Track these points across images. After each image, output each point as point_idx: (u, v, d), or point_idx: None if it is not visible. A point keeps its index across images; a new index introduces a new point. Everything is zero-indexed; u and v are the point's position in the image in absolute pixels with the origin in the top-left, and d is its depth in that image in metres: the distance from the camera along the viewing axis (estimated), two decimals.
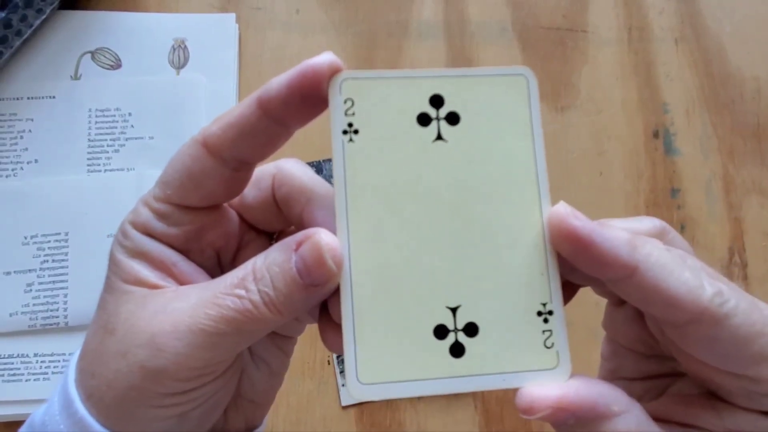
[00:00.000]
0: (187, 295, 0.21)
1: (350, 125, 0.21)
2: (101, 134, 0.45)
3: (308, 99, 0.20)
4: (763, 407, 0.20)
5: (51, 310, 0.41)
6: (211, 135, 0.21)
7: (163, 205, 0.22)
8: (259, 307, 0.20)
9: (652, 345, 0.24)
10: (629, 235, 0.19)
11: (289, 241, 0.20)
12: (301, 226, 0.22)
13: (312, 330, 0.44)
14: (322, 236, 0.20)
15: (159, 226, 0.22)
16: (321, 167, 0.45)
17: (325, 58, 0.20)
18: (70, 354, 0.41)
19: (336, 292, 0.21)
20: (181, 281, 0.22)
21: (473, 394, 0.42)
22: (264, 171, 0.23)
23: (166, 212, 0.22)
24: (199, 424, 0.23)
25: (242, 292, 0.20)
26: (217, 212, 0.23)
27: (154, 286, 0.22)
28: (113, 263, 0.22)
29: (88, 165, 0.44)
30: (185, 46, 0.47)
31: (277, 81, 0.20)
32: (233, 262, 0.24)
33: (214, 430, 0.24)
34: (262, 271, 0.20)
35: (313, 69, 0.20)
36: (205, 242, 0.23)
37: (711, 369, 0.20)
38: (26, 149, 0.44)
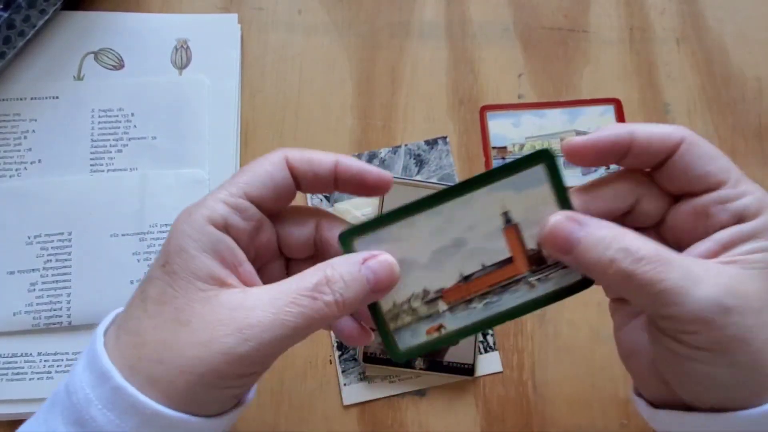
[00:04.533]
0: (259, 296, 0.25)
1: None
2: (104, 134, 0.45)
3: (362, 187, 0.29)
4: None
5: (54, 310, 0.41)
6: (296, 160, 0.28)
7: (242, 200, 0.27)
8: (331, 306, 0.25)
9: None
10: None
11: (353, 257, 0.27)
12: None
13: None
14: (389, 256, 0.27)
15: (236, 219, 0.26)
16: None
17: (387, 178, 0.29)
18: (73, 353, 0.41)
19: None
20: (243, 280, 0.27)
21: (474, 394, 0.42)
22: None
23: (244, 207, 0.27)
24: (240, 402, 0.28)
25: (318, 295, 0.25)
26: (266, 219, 0.28)
27: (223, 283, 0.26)
28: (182, 258, 0.25)
29: (91, 165, 0.44)
30: (188, 47, 0.47)
31: (355, 166, 0.28)
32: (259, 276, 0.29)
33: None
34: (336, 278, 0.26)
35: (375, 179, 0.29)
36: (255, 245, 0.28)
37: None
38: (30, 149, 0.44)
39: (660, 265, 0.25)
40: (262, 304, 0.25)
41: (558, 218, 0.27)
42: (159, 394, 0.24)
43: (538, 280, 0.28)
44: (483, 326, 0.29)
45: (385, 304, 0.29)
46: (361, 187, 0.28)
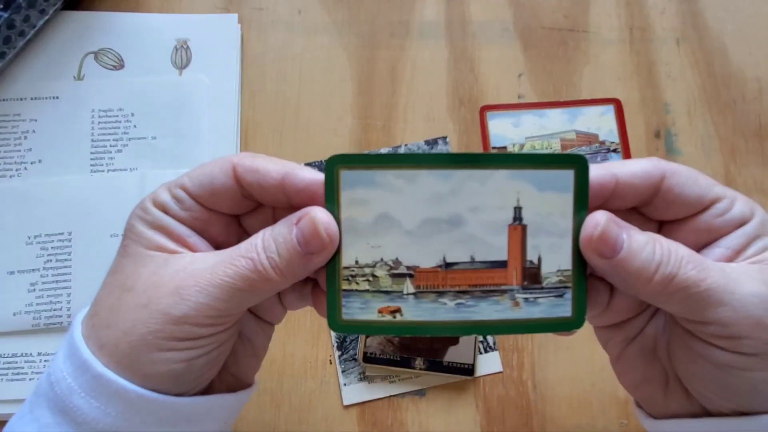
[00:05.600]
0: (205, 259, 0.25)
1: None
2: (104, 134, 0.45)
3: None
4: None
5: (54, 310, 0.42)
6: (242, 165, 0.26)
7: (180, 191, 0.27)
8: (267, 269, 0.24)
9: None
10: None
11: (291, 217, 0.25)
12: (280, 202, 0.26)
13: (313, 330, 0.45)
14: (317, 213, 0.25)
15: (174, 207, 0.27)
16: (323, 167, 0.45)
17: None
18: None
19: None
20: (194, 251, 0.27)
21: (474, 393, 0.42)
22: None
23: (181, 197, 0.27)
24: (199, 376, 0.26)
25: (254, 256, 0.25)
26: (221, 216, 0.28)
27: (173, 252, 0.26)
28: (133, 233, 0.26)
29: (92, 165, 0.44)
30: (188, 47, 0.47)
31: (303, 180, 0.25)
32: None
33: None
34: (269, 241, 0.25)
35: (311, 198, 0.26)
36: (208, 234, 0.28)
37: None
38: (30, 149, 0.44)
39: (699, 264, 0.24)
40: (204, 266, 0.25)
41: (605, 217, 0.24)
42: (107, 358, 0.24)
43: (526, 300, 0.25)
44: (445, 330, 0.25)
45: (346, 259, 0.25)
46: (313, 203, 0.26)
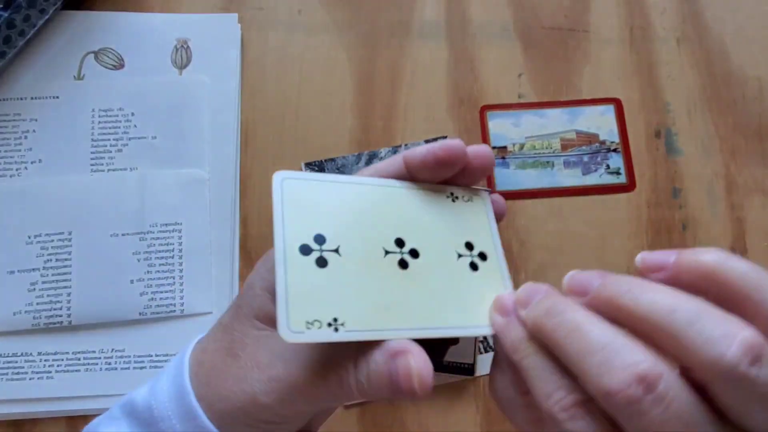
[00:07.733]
0: (298, 355, 0.25)
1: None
2: (104, 134, 0.45)
3: (442, 166, 0.27)
4: None
5: (54, 309, 0.41)
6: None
7: None
8: (353, 389, 0.24)
9: None
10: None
11: (390, 347, 0.24)
12: None
13: None
14: (412, 360, 0.23)
15: None
16: (323, 167, 0.45)
17: (458, 144, 0.26)
18: (73, 353, 0.41)
19: None
20: None
21: (474, 393, 0.42)
22: None
23: None
24: None
25: (344, 373, 0.24)
26: None
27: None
28: (248, 292, 0.27)
29: (92, 165, 0.44)
30: (188, 47, 0.47)
31: (420, 149, 0.26)
32: None
33: None
34: (363, 366, 0.24)
35: (452, 149, 0.26)
36: None
37: None
38: (30, 149, 0.44)
39: None
40: (297, 366, 0.25)
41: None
42: (206, 411, 0.26)
43: None
44: None
45: None
46: (439, 167, 0.26)
